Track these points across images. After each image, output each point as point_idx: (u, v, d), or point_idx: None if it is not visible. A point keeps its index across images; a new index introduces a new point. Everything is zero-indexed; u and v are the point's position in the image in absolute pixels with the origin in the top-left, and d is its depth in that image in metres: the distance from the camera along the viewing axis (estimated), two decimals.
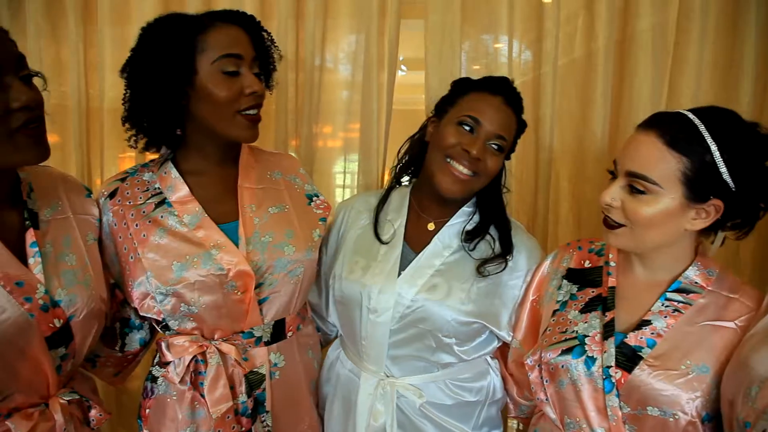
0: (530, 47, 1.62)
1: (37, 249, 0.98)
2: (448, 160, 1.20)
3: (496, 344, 1.31)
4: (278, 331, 1.22)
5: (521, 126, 1.27)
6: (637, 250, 1.06)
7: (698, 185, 0.95)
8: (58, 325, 0.97)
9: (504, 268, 1.23)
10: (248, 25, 1.15)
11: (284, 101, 1.64)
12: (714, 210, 0.97)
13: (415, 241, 1.28)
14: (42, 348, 0.96)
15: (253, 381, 1.19)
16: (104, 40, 1.60)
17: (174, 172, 1.19)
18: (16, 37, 0.93)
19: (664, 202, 0.96)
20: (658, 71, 1.56)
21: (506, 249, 1.24)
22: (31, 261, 0.97)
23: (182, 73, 1.07)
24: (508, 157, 1.29)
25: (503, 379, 1.33)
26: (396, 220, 1.30)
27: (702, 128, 0.94)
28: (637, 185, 0.97)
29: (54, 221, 1.05)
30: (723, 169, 0.94)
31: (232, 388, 1.16)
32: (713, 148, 0.93)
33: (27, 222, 1.00)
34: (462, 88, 1.26)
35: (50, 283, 0.98)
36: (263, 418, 1.21)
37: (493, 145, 1.20)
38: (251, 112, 1.13)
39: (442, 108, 1.27)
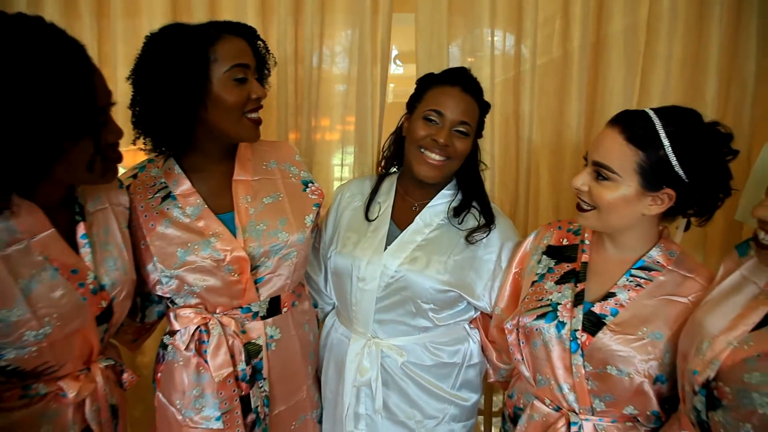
0: (511, 47, 1.75)
1: (87, 240, 1.09)
2: (422, 150, 1.34)
3: (472, 314, 1.44)
4: (274, 307, 1.33)
5: (484, 107, 1.40)
6: (604, 230, 1.18)
7: (652, 176, 1.06)
8: (104, 305, 1.10)
9: (488, 235, 1.37)
10: (250, 36, 1.25)
11: (284, 96, 1.74)
12: (667, 198, 1.08)
13: (401, 220, 1.42)
14: (92, 325, 1.09)
15: (252, 351, 1.30)
16: (116, 33, 1.69)
17: (177, 168, 1.29)
18: None
19: (622, 189, 1.08)
20: (629, 69, 1.70)
21: (489, 219, 1.39)
22: (82, 251, 1.08)
23: (199, 82, 1.16)
24: (479, 136, 1.42)
25: (483, 346, 1.46)
26: (384, 203, 1.44)
27: (659, 126, 1.05)
28: (601, 173, 1.10)
29: (96, 213, 1.16)
30: (675, 163, 1.04)
31: (233, 356, 1.27)
32: (666, 144, 1.04)
33: (78, 216, 1.11)
34: (425, 84, 1.39)
35: (97, 269, 1.10)
36: (261, 385, 1.32)
37: (459, 131, 1.33)
38: (254, 115, 1.25)
39: (412, 105, 1.40)
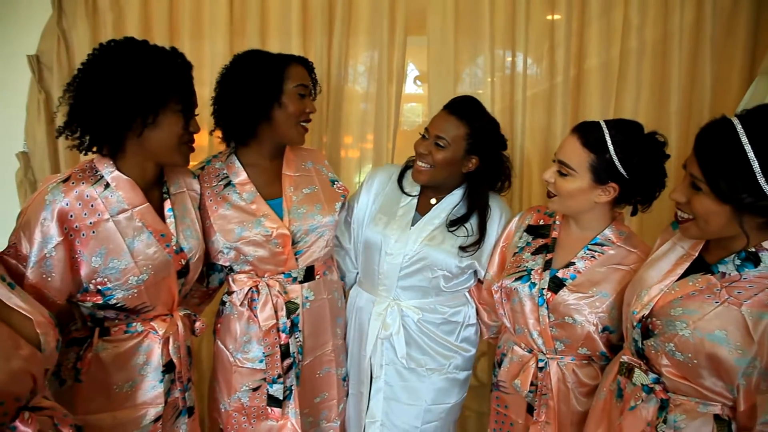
0: (505, 82, 2.12)
1: (171, 213, 1.42)
2: (416, 158, 1.67)
3: (472, 283, 1.76)
4: (309, 274, 1.65)
5: (473, 126, 1.60)
6: (566, 213, 1.50)
7: (600, 173, 1.36)
8: (183, 263, 1.41)
9: (477, 251, 1.65)
10: (308, 66, 1.63)
11: (318, 112, 2.07)
12: (612, 190, 1.37)
13: (422, 209, 1.72)
14: (174, 278, 1.40)
15: (291, 308, 1.61)
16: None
17: (237, 163, 1.62)
18: None
19: (578, 182, 1.38)
20: (605, 93, 2.05)
21: (482, 235, 1.66)
22: (168, 221, 1.40)
23: (275, 91, 1.54)
24: (479, 152, 1.63)
25: (477, 310, 1.77)
26: (411, 193, 1.74)
27: (607, 135, 1.35)
28: (562, 170, 1.40)
29: (177, 194, 1.47)
30: (618, 164, 1.34)
31: (276, 312, 1.59)
32: (611, 149, 1.34)
33: (165, 194, 1.44)
34: None
35: (178, 236, 1.40)
36: (297, 336, 1.63)
37: (436, 143, 1.60)
38: (306, 124, 1.62)
39: None
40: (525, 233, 1.60)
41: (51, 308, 1.19)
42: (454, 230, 1.65)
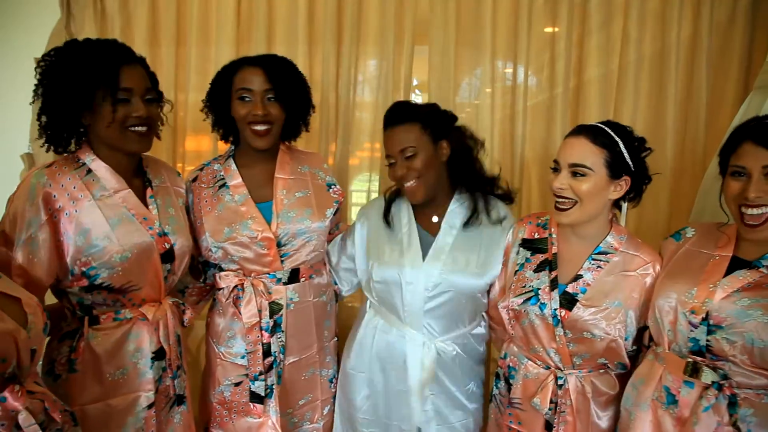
0: (506, 92, 2.17)
1: (153, 200, 1.47)
2: (401, 185, 1.60)
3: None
4: (294, 276, 1.66)
5: (420, 117, 1.55)
6: (580, 221, 1.42)
7: (614, 167, 1.38)
8: (167, 246, 1.44)
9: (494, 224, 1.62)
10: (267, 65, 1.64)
11: (326, 121, 2.12)
12: (625, 183, 1.40)
13: (429, 228, 1.64)
14: (158, 260, 1.43)
15: (274, 308, 1.63)
16: (191, 60, 2.13)
17: (233, 166, 1.67)
18: None
19: (595, 179, 1.37)
20: (604, 103, 2.10)
21: (497, 218, 1.64)
22: (150, 207, 1.46)
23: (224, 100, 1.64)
24: (444, 136, 1.58)
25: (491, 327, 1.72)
26: (404, 216, 1.66)
27: (611, 132, 1.41)
28: (577, 171, 1.40)
29: (160, 186, 1.53)
30: (626, 156, 1.38)
31: (260, 311, 1.61)
32: (620, 142, 1.38)
33: (147, 183, 1.49)
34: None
35: (162, 221, 1.45)
36: (279, 336, 1.64)
37: (405, 156, 1.54)
38: (257, 127, 1.59)
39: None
40: (521, 248, 1.56)
41: (38, 293, 1.26)
42: (471, 230, 1.60)
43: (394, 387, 1.66)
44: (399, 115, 1.58)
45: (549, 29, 2.13)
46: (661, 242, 1.50)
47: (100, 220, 1.34)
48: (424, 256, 1.60)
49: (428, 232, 1.63)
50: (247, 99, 1.57)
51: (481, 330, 1.70)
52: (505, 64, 2.14)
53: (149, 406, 1.41)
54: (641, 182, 1.45)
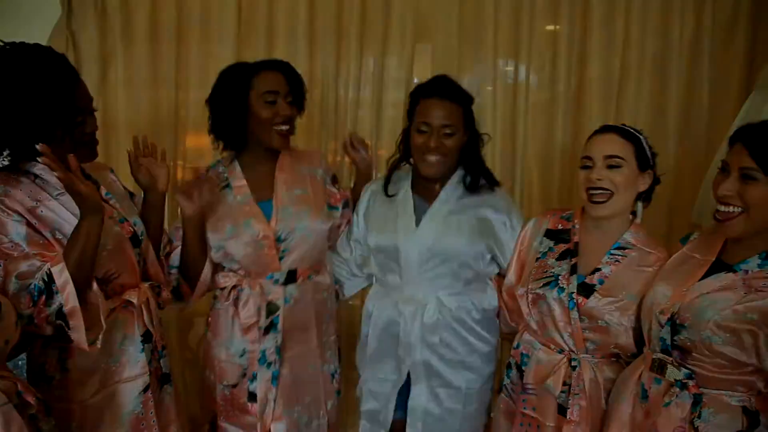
0: (508, 90, 2.17)
1: (110, 196, 1.47)
2: (422, 154, 1.63)
3: (493, 269, 1.74)
4: (291, 276, 1.68)
5: (465, 102, 1.63)
6: (616, 213, 1.49)
7: (642, 159, 1.46)
8: (131, 230, 1.46)
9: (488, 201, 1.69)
10: (282, 69, 1.67)
11: (326, 119, 2.13)
12: (649, 176, 1.48)
13: (426, 196, 1.70)
14: (129, 245, 1.45)
15: (271, 309, 1.65)
16: (190, 59, 2.14)
17: (237, 167, 1.70)
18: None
19: (628, 170, 1.45)
20: (606, 101, 2.10)
21: (493, 183, 1.71)
22: (111, 202, 1.46)
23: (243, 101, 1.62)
24: (472, 126, 1.66)
25: (499, 308, 1.75)
26: (403, 187, 1.73)
27: (633, 129, 1.49)
28: (612, 163, 1.45)
29: (110, 183, 1.53)
30: (649, 151, 1.48)
31: (259, 309, 1.64)
32: (642, 138, 1.48)
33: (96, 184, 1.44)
34: (414, 98, 1.67)
35: (122, 212, 1.47)
36: (276, 336, 1.66)
37: (445, 132, 1.61)
38: (282, 127, 1.63)
39: (409, 118, 1.69)
40: (545, 238, 1.63)
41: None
42: (476, 192, 1.67)
43: (398, 340, 1.72)
44: (451, 90, 1.62)
45: (551, 27, 2.13)
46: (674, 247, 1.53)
47: (66, 215, 1.33)
48: (419, 222, 1.67)
49: (425, 200, 1.69)
50: (272, 101, 1.62)
51: (485, 296, 1.74)
52: (507, 62, 2.15)
53: (145, 389, 1.44)
54: (653, 182, 1.52)
